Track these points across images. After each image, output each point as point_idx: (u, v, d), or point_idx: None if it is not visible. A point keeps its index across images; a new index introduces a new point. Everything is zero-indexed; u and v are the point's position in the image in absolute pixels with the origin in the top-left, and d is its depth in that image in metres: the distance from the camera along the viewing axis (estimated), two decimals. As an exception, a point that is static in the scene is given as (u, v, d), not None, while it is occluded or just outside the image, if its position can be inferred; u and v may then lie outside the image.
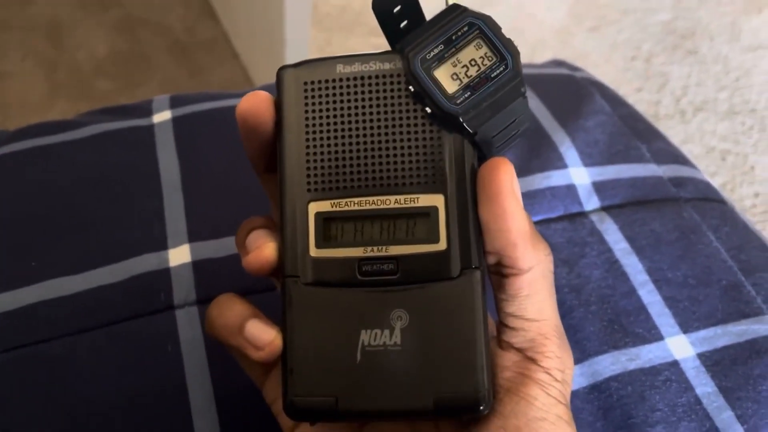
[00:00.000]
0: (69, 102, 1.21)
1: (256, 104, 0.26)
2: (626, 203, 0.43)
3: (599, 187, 0.44)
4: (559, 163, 0.44)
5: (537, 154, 0.45)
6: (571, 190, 0.43)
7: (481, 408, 0.24)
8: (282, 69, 0.27)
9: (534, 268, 0.25)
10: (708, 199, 0.45)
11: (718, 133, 1.22)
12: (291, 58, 1.07)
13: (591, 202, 0.43)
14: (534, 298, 0.25)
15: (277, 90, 0.27)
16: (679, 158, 0.48)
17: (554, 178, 0.44)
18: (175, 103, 0.47)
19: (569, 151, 0.45)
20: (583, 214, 0.43)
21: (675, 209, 0.43)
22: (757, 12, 1.42)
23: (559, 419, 0.25)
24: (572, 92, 0.50)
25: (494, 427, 0.25)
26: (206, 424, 0.33)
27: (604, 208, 0.43)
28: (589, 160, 0.45)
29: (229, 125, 0.45)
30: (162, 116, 0.46)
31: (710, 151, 1.19)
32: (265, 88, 0.51)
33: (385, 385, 0.25)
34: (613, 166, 0.45)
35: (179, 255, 0.39)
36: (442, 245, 0.25)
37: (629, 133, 0.48)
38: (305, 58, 0.28)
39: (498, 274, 0.26)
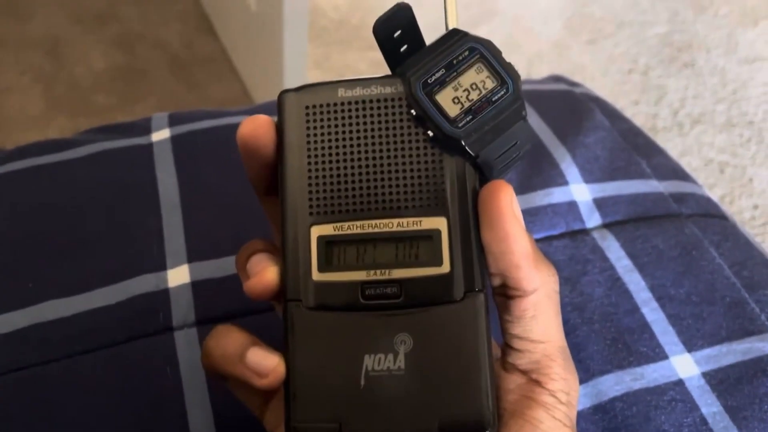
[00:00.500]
0: (67, 118, 1.21)
1: (257, 128, 0.26)
2: (628, 220, 0.43)
3: (600, 203, 0.44)
4: (560, 180, 0.44)
5: (538, 171, 0.45)
6: (572, 207, 0.43)
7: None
8: (283, 93, 0.27)
9: (538, 290, 0.25)
10: (709, 214, 0.45)
11: (716, 146, 1.22)
12: (289, 73, 1.07)
13: (592, 219, 0.43)
14: (539, 319, 0.25)
15: (278, 114, 0.27)
16: (680, 174, 0.48)
17: (555, 195, 0.43)
18: (173, 121, 0.47)
19: (570, 168, 0.45)
20: (584, 231, 0.42)
21: (676, 225, 0.43)
22: (753, 24, 1.43)
23: None
24: (572, 108, 0.50)
25: None
26: (206, 448, 0.33)
27: (606, 225, 0.43)
28: (590, 177, 0.45)
29: (228, 144, 0.45)
30: (161, 135, 0.46)
31: (708, 163, 1.19)
32: (264, 104, 0.51)
33: (389, 410, 0.25)
34: (614, 182, 0.45)
35: (178, 275, 0.38)
36: (445, 268, 0.25)
37: (629, 148, 0.48)
38: (303, 72, 0.28)
39: (503, 296, 0.26)
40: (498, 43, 0.26)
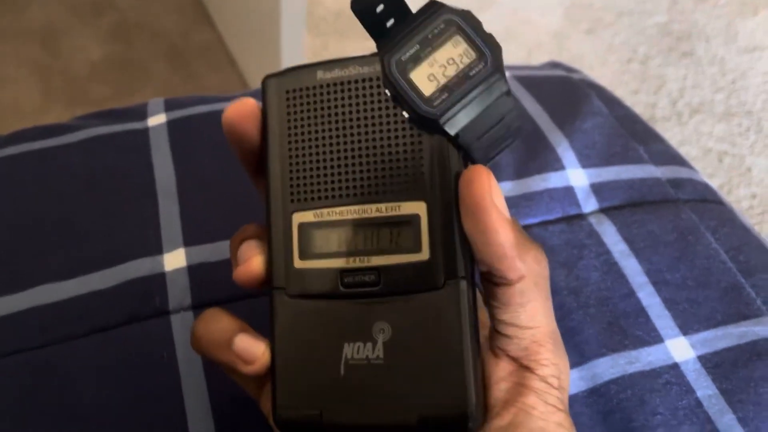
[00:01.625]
0: (64, 108, 1.20)
1: (241, 112, 0.26)
2: (624, 205, 0.43)
3: (597, 188, 0.44)
4: (557, 165, 0.44)
5: (534, 156, 0.44)
6: (569, 191, 0.43)
7: (470, 425, 0.23)
8: (266, 78, 0.27)
9: (525, 278, 0.24)
10: (706, 200, 0.45)
11: (714, 135, 1.22)
12: (287, 63, 1.06)
13: (589, 204, 0.43)
14: (526, 306, 0.25)
15: (262, 99, 0.27)
16: (677, 159, 0.48)
17: (552, 180, 0.43)
18: (170, 106, 0.47)
19: (567, 153, 0.45)
20: (581, 216, 0.42)
21: (673, 210, 0.43)
22: (752, 14, 1.43)
23: (560, 427, 0.24)
24: (569, 94, 0.50)
25: None
26: (201, 429, 0.33)
27: (602, 210, 0.43)
28: (586, 162, 0.45)
29: (224, 129, 0.45)
30: (157, 119, 0.46)
31: (707, 152, 1.19)
32: (258, 93, 0.51)
33: (368, 399, 0.24)
34: (610, 167, 0.45)
35: (174, 259, 0.38)
36: (424, 255, 0.24)
37: (626, 134, 0.47)
38: (301, 62, 0.28)
39: (490, 282, 0.25)
40: (496, 33, 0.25)
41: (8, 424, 0.33)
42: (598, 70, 1.31)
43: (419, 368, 0.24)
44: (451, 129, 0.24)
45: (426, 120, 0.24)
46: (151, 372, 0.35)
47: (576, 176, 0.44)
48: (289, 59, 1.06)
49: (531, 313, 0.25)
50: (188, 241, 0.39)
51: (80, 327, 0.36)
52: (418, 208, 0.25)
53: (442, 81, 0.24)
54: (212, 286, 0.37)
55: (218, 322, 0.26)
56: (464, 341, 0.24)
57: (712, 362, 0.36)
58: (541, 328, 0.25)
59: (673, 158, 0.47)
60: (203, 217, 0.40)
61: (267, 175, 0.26)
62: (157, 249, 0.39)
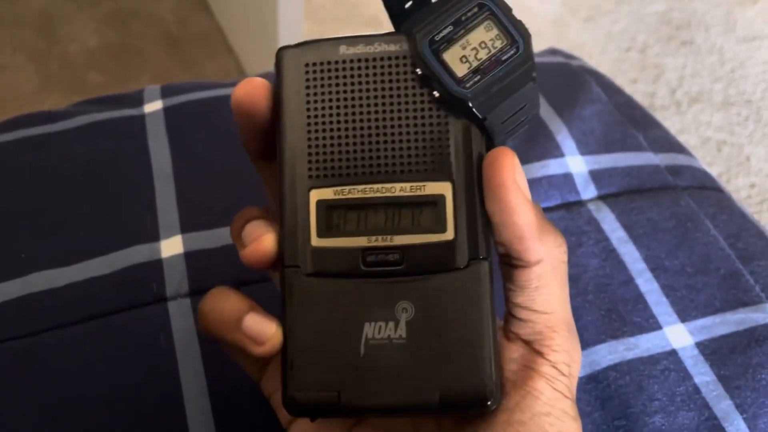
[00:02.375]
0: (61, 95, 1.20)
1: (252, 91, 0.25)
2: (623, 192, 0.43)
3: (596, 175, 0.43)
4: (556, 152, 0.44)
5: (534, 143, 0.44)
6: (568, 178, 0.43)
7: (489, 403, 0.24)
8: (282, 49, 0.26)
9: (543, 261, 0.24)
10: (705, 187, 0.45)
11: (713, 124, 1.22)
12: (285, 50, 1.06)
13: (588, 191, 0.43)
14: (543, 290, 0.25)
15: (276, 72, 0.26)
16: (676, 146, 0.48)
17: (551, 167, 0.43)
18: (166, 92, 0.46)
19: (566, 140, 0.45)
20: (580, 203, 0.42)
21: (672, 197, 0.43)
22: (752, 2, 1.42)
23: (565, 414, 0.24)
24: (568, 81, 0.50)
25: (499, 422, 0.24)
26: (199, 415, 0.33)
27: (601, 197, 0.43)
28: (585, 149, 0.45)
29: (221, 115, 0.45)
30: (153, 106, 0.45)
31: (706, 142, 1.19)
32: (260, 75, 0.51)
33: (389, 380, 0.24)
34: (609, 154, 0.45)
35: (171, 246, 0.38)
36: (449, 235, 0.24)
37: (625, 121, 0.47)
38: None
39: (507, 264, 0.25)
40: (513, 11, 0.25)
41: (4, 410, 0.33)
42: (597, 59, 1.31)
43: (441, 348, 0.24)
44: (480, 111, 0.24)
45: (457, 100, 0.24)
46: (148, 358, 0.35)
47: (575, 163, 0.44)
48: (287, 47, 1.06)
49: (547, 297, 0.25)
50: (185, 228, 0.39)
51: (77, 313, 0.36)
52: (443, 188, 0.24)
53: (474, 63, 0.24)
54: (209, 273, 0.37)
55: (226, 301, 0.25)
56: (485, 321, 0.24)
57: (710, 349, 0.36)
58: (556, 314, 0.25)
59: (672, 145, 0.47)
60: (200, 203, 0.40)
61: (281, 150, 0.26)
62: (154, 235, 0.38)
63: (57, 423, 0.33)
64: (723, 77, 1.29)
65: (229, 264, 0.37)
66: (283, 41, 1.06)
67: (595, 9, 1.40)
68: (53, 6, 1.32)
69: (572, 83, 0.49)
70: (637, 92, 1.25)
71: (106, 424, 0.33)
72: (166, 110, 0.45)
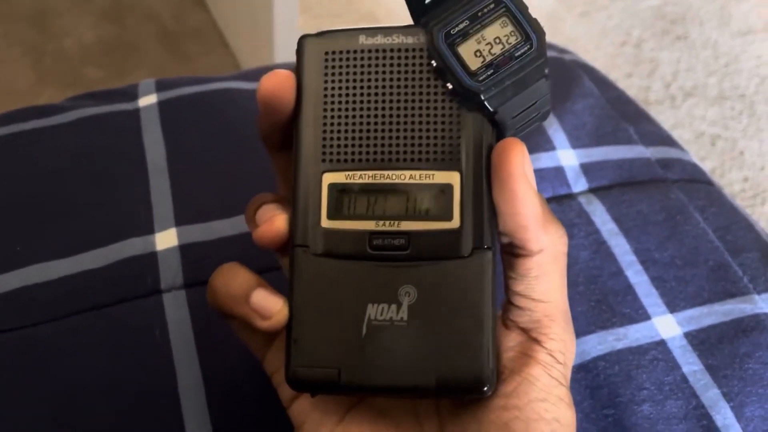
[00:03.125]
0: (56, 90, 1.20)
1: (279, 84, 0.26)
2: (614, 185, 0.43)
3: (587, 168, 0.44)
4: (547, 146, 0.44)
5: (525, 136, 0.45)
6: (559, 172, 0.43)
7: (485, 389, 0.24)
8: (303, 38, 0.27)
9: (545, 251, 0.25)
10: (695, 180, 0.45)
11: (707, 119, 1.22)
12: (280, 46, 1.06)
13: (579, 184, 0.43)
14: (542, 279, 0.25)
15: (297, 59, 0.27)
16: (667, 140, 0.48)
17: (542, 161, 0.44)
18: (161, 86, 0.47)
19: (557, 134, 0.45)
20: (570, 196, 0.43)
21: (662, 190, 0.43)
22: (746, -3, 1.42)
23: (560, 401, 0.25)
24: (560, 75, 0.50)
25: (495, 407, 0.25)
26: (194, 406, 0.33)
27: (592, 190, 0.43)
28: (577, 143, 0.45)
29: (215, 109, 0.45)
30: (148, 100, 0.45)
31: (700, 136, 1.20)
32: (253, 70, 0.51)
33: (388, 361, 0.25)
34: (600, 147, 0.45)
35: (166, 239, 0.38)
36: (455, 223, 0.25)
37: (617, 115, 0.48)
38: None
39: (509, 254, 0.26)
40: (528, 9, 0.26)
41: (0, 402, 0.33)
42: (592, 54, 1.31)
43: (441, 332, 0.24)
44: (492, 105, 0.25)
45: (469, 93, 0.25)
46: (143, 350, 0.35)
47: (566, 156, 0.44)
48: (283, 41, 1.06)
49: (546, 286, 0.25)
50: (180, 221, 0.39)
51: (73, 306, 0.36)
52: (451, 178, 0.25)
53: (488, 58, 0.25)
54: (204, 265, 0.38)
55: (236, 276, 0.26)
56: (485, 309, 0.24)
57: (698, 339, 0.37)
58: (555, 303, 0.26)
59: (663, 139, 0.48)
60: (195, 196, 0.40)
61: (297, 133, 0.26)
62: (148, 228, 0.39)
63: (53, 414, 0.33)
64: (717, 71, 1.29)
65: (224, 256, 0.38)
66: (279, 36, 1.06)
67: (590, 4, 1.40)
68: (48, 1, 1.32)
69: (565, 77, 0.50)
70: (632, 86, 1.26)
71: (101, 416, 0.33)
72: (161, 104, 0.45)
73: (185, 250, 0.38)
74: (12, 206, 0.40)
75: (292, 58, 0.28)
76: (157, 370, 0.34)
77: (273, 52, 1.06)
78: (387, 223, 0.25)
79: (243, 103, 0.46)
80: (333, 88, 0.26)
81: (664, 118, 1.21)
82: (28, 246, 0.38)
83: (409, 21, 0.27)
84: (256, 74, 0.49)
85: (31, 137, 0.44)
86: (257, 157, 0.41)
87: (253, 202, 0.27)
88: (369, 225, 0.25)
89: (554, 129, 0.45)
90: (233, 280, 0.26)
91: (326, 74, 0.26)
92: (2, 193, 0.41)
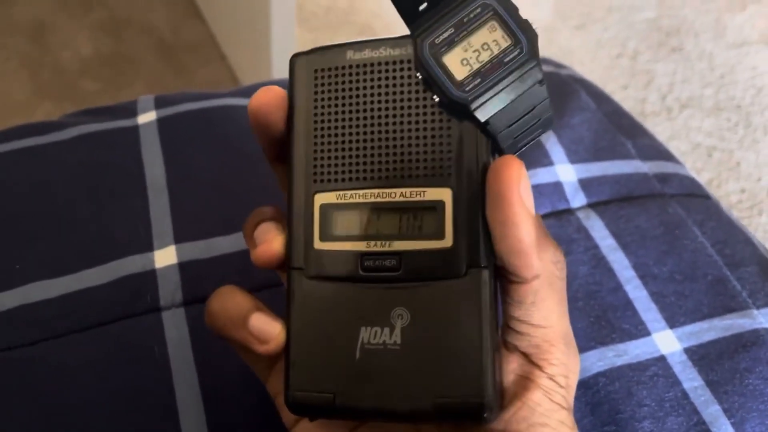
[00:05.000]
0: (53, 103, 1.20)
1: (268, 100, 0.25)
2: (612, 200, 0.44)
3: (585, 184, 0.44)
4: (545, 161, 0.45)
5: (523, 152, 0.45)
6: (557, 187, 0.44)
7: (485, 415, 0.23)
8: (295, 56, 0.26)
9: (539, 277, 0.24)
10: (693, 194, 0.45)
11: (704, 130, 1.22)
12: (277, 58, 1.06)
13: (577, 199, 0.43)
14: (539, 305, 0.25)
15: (289, 78, 0.27)
16: (664, 154, 0.48)
17: (540, 176, 0.44)
18: (160, 103, 0.47)
19: (555, 148, 0.45)
20: (569, 211, 0.43)
21: (660, 205, 0.44)
22: (741, 9, 1.43)
23: (562, 425, 0.25)
24: (557, 89, 0.50)
25: (495, 431, 0.24)
26: (193, 424, 0.33)
27: (590, 205, 0.43)
28: (574, 157, 0.45)
29: (214, 125, 0.45)
30: (147, 117, 0.46)
31: (696, 147, 1.20)
32: (252, 86, 0.51)
33: (383, 385, 0.24)
34: (598, 162, 0.45)
35: (165, 256, 0.38)
36: (447, 242, 0.24)
37: (614, 129, 0.48)
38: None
39: (504, 278, 0.25)
40: (519, 11, 0.24)
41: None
42: (588, 66, 1.31)
43: (437, 356, 0.24)
44: (481, 115, 0.23)
45: (456, 105, 0.23)
46: (142, 368, 0.35)
47: (564, 171, 0.44)
48: (280, 54, 1.06)
49: (544, 312, 0.25)
50: (179, 238, 0.39)
51: (71, 324, 0.36)
52: (443, 194, 0.24)
53: (476, 66, 0.23)
54: (203, 283, 0.37)
55: (233, 300, 0.26)
56: (483, 331, 0.24)
57: (698, 354, 0.37)
58: (554, 328, 0.25)
59: (660, 153, 0.48)
60: (194, 213, 0.40)
61: (290, 154, 0.26)
62: (147, 246, 0.39)
63: (52, 433, 0.33)
64: (713, 83, 1.30)
65: (224, 273, 0.38)
66: (276, 49, 1.06)
67: (586, 16, 1.41)
68: (46, 14, 1.32)
69: (561, 92, 0.50)
70: (628, 98, 1.26)
71: (100, 434, 0.33)
72: (160, 121, 0.45)
73: (184, 267, 0.38)
74: (11, 224, 0.40)
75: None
76: (156, 388, 0.34)
77: (270, 65, 1.07)
78: (378, 243, 0.25)
79: (242, 119, 0.46)
80: (322, 107, 0.26)
81: (661, 129, 1.21)
82: (28, 264, 0.38)
83: (407, 32, 0.26)
84: (255, 90, 0.49)
85: (29, 154, 0.44)
86: (257, 173, 0.41)
87: (252, 218, 0.27)
88: (360, 246, 0.25)
89: (552, 143, 0.45)
90: (231, 303, 0.26)
91: (316, 92, 0.26)
92: (1, 211, 0.41)
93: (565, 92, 0.50)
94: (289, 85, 0.26)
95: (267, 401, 0.29)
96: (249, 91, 0.49)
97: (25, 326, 0.36)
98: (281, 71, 1.06)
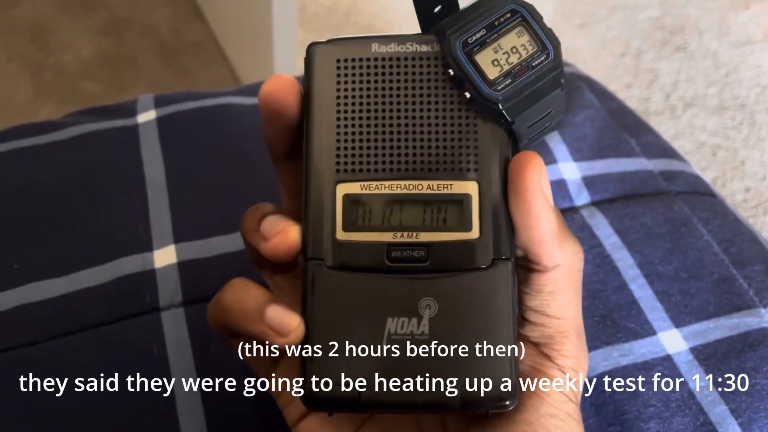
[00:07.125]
0: (55, 105, 1.20)
1: (280, 87, 0.25)
2: (616, 198, 0.43)
3: (589, 181, 0.44)
4: (549, 158, 0.44)
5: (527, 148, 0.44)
6: (561, 185, 0.43)
7: (507, 403, 0.24)
8: (313, 45, 0.26)
9: (560, 267, 0.25)
10: (698, 192, 0.45)
11: (708, 129, 1.22)
12: (279, 59, 1.06)
13: (581, 197, 0.43)
14: (557, 295, 0.25)
15: (306, 67, 0.26)
16: (669, 152, 0.48)
17: (544, 174, 0.43)
18: (159, 102, 0.46)
19: (559, 146, 0.45)
20: (573, 209, 0.42)
21: (665, 203, 0.43)
22: (744, 7, 1.43)
23: (569, 417, 0.25)
24: (561, 87, 0.50)
25: (504, 421, 0.24)
26: (193, 425, 0.33)
27: (595, 203, 0.43)
28: (578, 155, 0.45)
29: (214, 124, 0.45)
30: (146, 116, 0.45)
31: (701, 146, 1.19)
32: (252, 84, 0.51)
33: (410, 376, 0.24)
34: (602, 160, 0.45)
35: (165, 256, 0.38)
36: (474, 234, 0.25)
37: (618, 127, 0.47)
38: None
39: (523, 268, 0.25)
40: (543, 19, 0.26)
41: (-1, 422, 0.33)
42: (591, 65, 1.31)
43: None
44: (511, 114, 0.25)
45: (488, 102, 0.24)
46: (141, 368, 0.35)
47: (568, 169, 0.44)
48: (282, 55, 1.06)
49: (560, 303, 0.25)
50: (178, 238, 0.39)
51: (71, 324, 0.36)
52: (470, 188, 0.25)
53: (506, 67, 0.25)
54: (203, 283, 0.37)
55: (249, 292, 0.25)
56: (508, 320, 0.24)
57: (704, 354, 0.36)
58: (568, 320, 0.25)
59: (665, 151, 0.47)
60: (193, 213, 0.40)
61: (308, 143, 0.26)
62: (147, 246, 0.38)
63: (50, 434, 0.32)
64: (717, 81, 1.29)
65: (223, 273, 0.37)
66: (278, 49, 1.06)
67: (589, 15, 1.40)
68: (47, 15, 1.32)
69: (565, 89, 0.50)
70: (632, 97, 1.26)
71: (99, 435, 0.33)
72: (160, 120, 0.45)
73: (184, 267, 0.38)
74: (10, 223, 0.40)
75: (292, 71, 0.28)
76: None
77: (272, 66, 1.06)
78: (405, 234, 0.25)
79: (242, 118, 0.45)
80: (347, 96, 0.26)
81: (665, 128, 1.21)
82: (26, 264, 0.38)
83: (409, 32, 0.26)
84: (256, 89, 0.49)
85: (29, 154, 0.43)
86: (256, 172, 0.40)
87: (251, 214, 0.27)
88: (386, 236, 0.25)
89: (555, 141, 0.45)
90: (246, 296, 0.25)
91: (339, 82, 0.26)
92: (1, 209, 0.40)
93: (569, 90, 0.50)
94: (306, 73, 0.26)
95: (267, 401, 0.28)
96: (249, 90, 0.49)
97: (25, 326, 0.36)
98: (283, 72, 1.05)
